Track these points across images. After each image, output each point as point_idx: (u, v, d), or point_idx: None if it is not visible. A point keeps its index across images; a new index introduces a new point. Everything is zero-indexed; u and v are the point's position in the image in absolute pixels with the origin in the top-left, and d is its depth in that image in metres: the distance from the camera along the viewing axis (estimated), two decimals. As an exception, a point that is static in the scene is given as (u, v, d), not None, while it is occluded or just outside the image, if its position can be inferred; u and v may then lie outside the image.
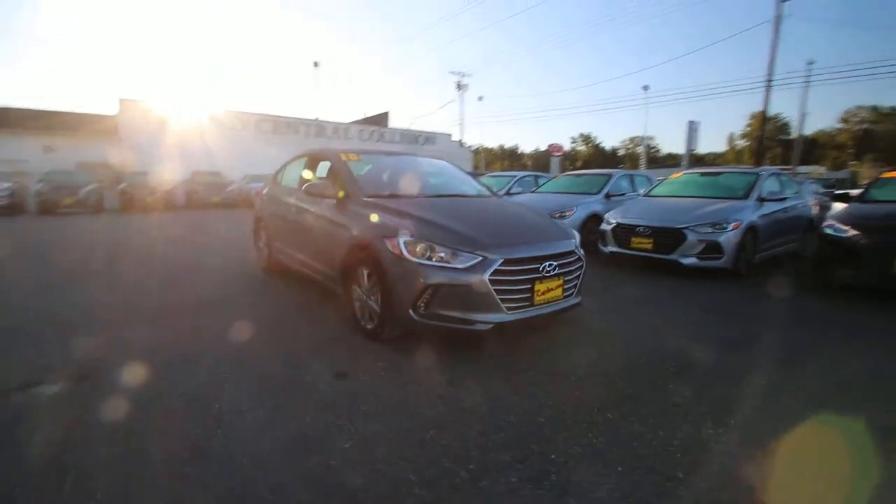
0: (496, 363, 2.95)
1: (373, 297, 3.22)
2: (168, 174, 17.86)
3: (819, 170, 42.63)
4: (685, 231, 5.57)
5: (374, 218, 3.32)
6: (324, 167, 4.71)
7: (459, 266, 2.87)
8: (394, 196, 3.73)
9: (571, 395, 2.53)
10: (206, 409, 2.31)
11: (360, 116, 33.82)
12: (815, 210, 8.18)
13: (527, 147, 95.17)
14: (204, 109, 21.48)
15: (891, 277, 4.15)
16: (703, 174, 7.48)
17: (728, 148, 74.38)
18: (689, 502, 1.70)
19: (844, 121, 64.15)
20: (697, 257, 5.54)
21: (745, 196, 6.16)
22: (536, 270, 3.04)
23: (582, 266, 3.42)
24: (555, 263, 3.14)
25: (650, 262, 5.92)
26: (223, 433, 2.11)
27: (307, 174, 4.59)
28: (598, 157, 77.25)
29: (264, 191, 5.70)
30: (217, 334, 3.42)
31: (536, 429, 2.18)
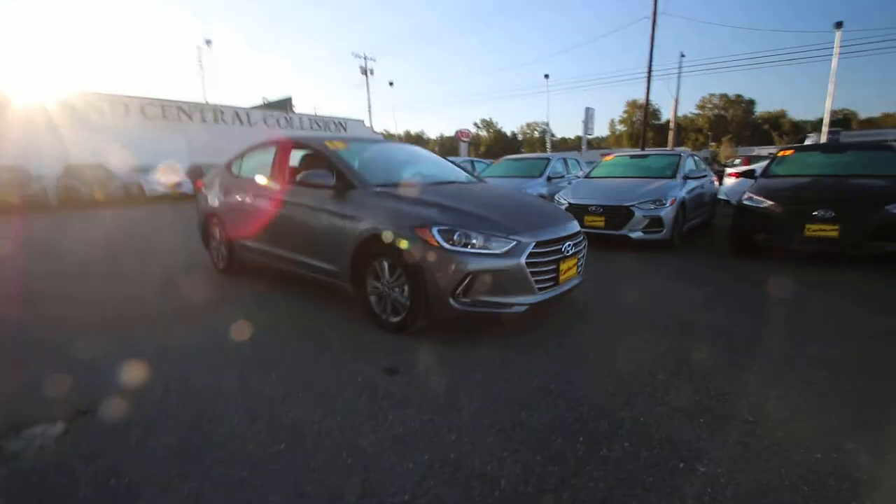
0: (530, 343, 3.07)
1: (397, 289, 3.15)
2: (34, 168, 15.12)
3: (688, 150, 48.89)
4: (632, 208, 6.16)
5: (398, 207, 3.22)
6: (297, 156, 4.41)
7: (497, 251, 2.92)
8: (402, 185, 3.62)
9: (619, 364, 2.74)
10: (277, 424, 2.13)
11: (259, 102, 31.45)
12: (716, 185, 9.47)
13: (432, 133, 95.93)
14: (75, 94, 18.37)
15: (804, 240, 5.01)
16: (632, 157, 8.29)
17: (609, 133, 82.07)
18: (771, 440, 1.98)
19: (701, 107, 74.18)
20: (643, 231, 6.16)
21: (673, 175, 6.96)
22: (559, 251, 3.20)
23: (586, 245, 3.66)
24: (571, 243, 3.33)
25: (600, 237, 6.46)
26: (312, 446, 1.97)
27: (284, 164, 4.24)
28: (500, 142, 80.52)
29: (214, 182, 5.14)
30: (223, 345, 3.11)
31: (612, 398, 2.34)
